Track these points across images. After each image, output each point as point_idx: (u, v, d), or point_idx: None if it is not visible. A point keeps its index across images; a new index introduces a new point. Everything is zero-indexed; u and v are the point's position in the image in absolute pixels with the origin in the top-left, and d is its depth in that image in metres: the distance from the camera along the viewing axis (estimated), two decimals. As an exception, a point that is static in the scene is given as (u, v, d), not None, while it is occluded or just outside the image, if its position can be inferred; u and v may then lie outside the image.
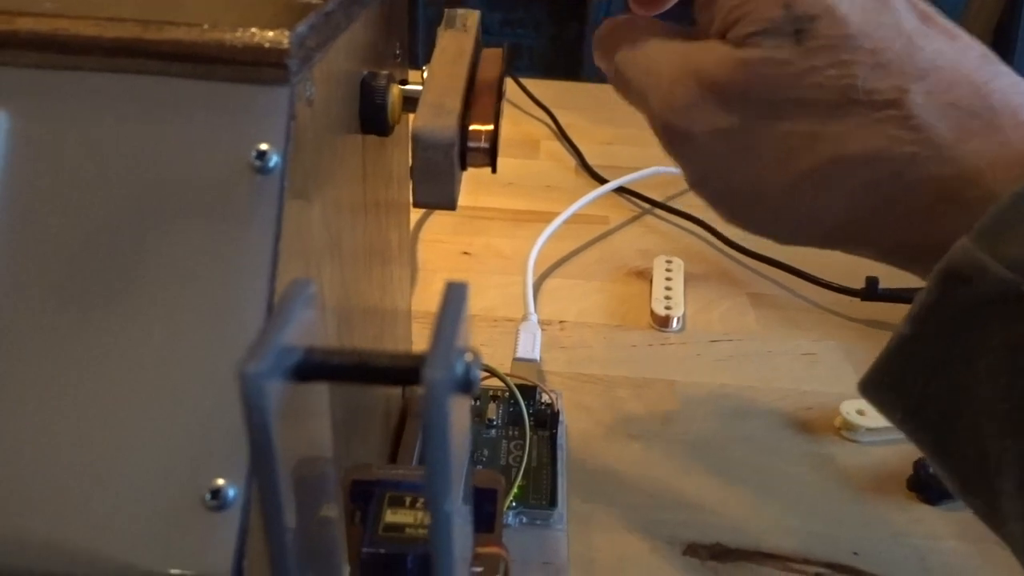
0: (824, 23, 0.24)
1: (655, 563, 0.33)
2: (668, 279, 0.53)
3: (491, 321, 0.49)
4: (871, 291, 0.50)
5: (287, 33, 0.19)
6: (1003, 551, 0.34)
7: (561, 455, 0.37)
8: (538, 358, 0.44)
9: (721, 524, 0.35)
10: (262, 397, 0.11)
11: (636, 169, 0.65)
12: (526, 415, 0.38)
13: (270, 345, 0.11)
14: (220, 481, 0.17)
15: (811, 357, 0.47)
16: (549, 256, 0.55)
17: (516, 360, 0.43)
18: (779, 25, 0.24)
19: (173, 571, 0.16)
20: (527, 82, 0.82)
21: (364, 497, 0.22)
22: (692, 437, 0.40)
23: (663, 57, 0.28)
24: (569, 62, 1.65)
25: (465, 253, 0.56)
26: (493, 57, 0.31)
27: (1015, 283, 0.21)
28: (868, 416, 0.41)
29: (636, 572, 0.33)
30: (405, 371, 0.12)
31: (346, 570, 0.19)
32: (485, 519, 0.22)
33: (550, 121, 0.76)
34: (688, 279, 0.53)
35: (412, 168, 0.25)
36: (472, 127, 0.26)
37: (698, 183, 0.28)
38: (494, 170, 0.27)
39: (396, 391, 0.37)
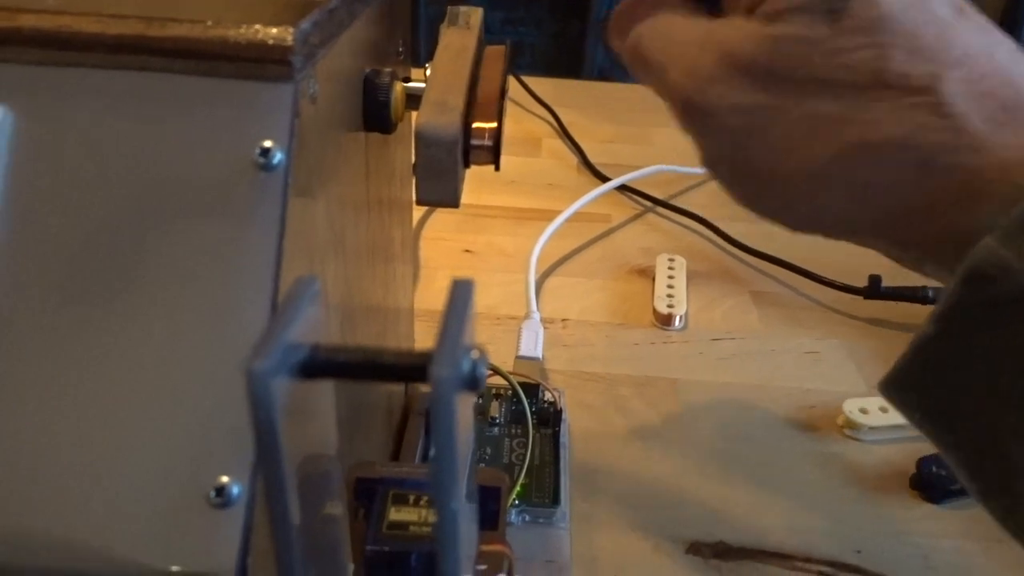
0: (859, 3, 0.23)
1: (658, 561, 0.33)
2: (670, 277, 0.53)
3: (493, 319, 0.48)
4: (874, 289, 0.50)
5: (291, 30, 0.19)
6: (1006, 550, 0.34)
7: (564, 453, 0.37)
8: (541, 356, 0.44)
9: (724, 522, 0.35)
10: (268, 394, 0.11)
11: (638, 167, 0.65)
12: (529, 413, 0.38)
13: (276, 342, 0.11)
14: (224, 478, 0.17)
15: (814, 355, 0.47)
16: (551, 254, 0.55)
17: (519, 358, 0.43)
18: (813, 2, 0.24)
19: (178, 568, 0.16)
20: (529, 80, 0.82)
21: (368, 495, 0.22)
22: (694, 435, 0.40)
23: (686, 31, 0.27)
24: (571, 60, 1.65)
25: (467, 251, 0.56)
26: (496, 55, 0.31)
27: None
28: (871, 415, 0.41)
29: (639, 570, 0.33)
30: (412, 368, 0.12)
31: (350, 568, 0.19)
32: (489, 517, 0.22)
33: (552, 119, 0.76)
34: (690, 277, 0.53)
35: (415, 165, 0.25)
36: (475, 125, 0.26)
37: (713, 162, 0.27)
38: (497, 168, 0.26)
39: (398, 389, 0.37)
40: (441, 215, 0.60)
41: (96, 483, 0.17)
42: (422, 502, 0.21)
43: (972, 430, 0.23)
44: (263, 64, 0.19)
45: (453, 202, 0.25)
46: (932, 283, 0.47)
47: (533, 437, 0.37)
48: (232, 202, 0.19)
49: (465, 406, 0.13)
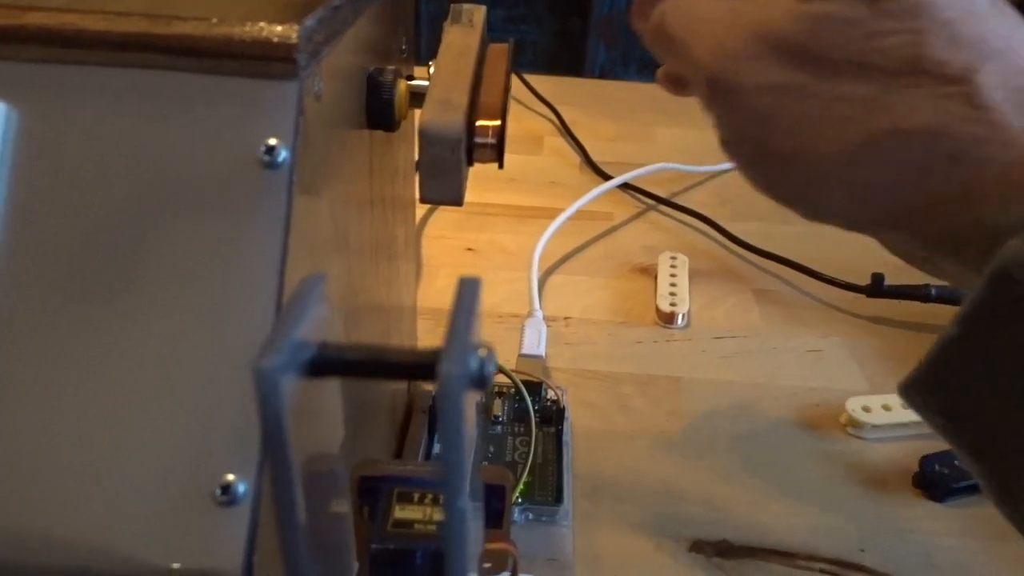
0: None
1: (660, 559, 0.33)
2: (673, 275, 0.53)
3: (496, 317, 0.48)
4: (877, 287, 0.50)
5: (296, 27, 0.19)
6: (1008, 548, 0.34)
7: (567, 451, 0.37)
8: (543, 354, 0.44)
9: (726, 521, 0.35)
10: (277, 392, 0.11)
11: (640, 165, 0.65)
12: (532, 411, 0.38)
13: (285, 340, 0.11)
14: (230, 476, 0.17)
15: (816, 354, 0.47)
16: (554, 252, 0.55)
17: (521, 356, 0.43)
18: None
19: (183, 566, 0.16)
20: (530, 78, 0.82)
21: (372, 493, 0.22)
22: (697, 434, 0.40)
23: (711, 8, 0.26)
24: (572, 58, 1.65)
25: (469, 249, 0.56)
26: (499, 52, 0.30)
27: None
28: (874, 413, 0.41)
29: (641, 568, 0.33)
30: (420, 366, 0.12)
31: (355, 566, 0.19)
32: (493, 515, 0.22)
33: (554, 117, 0.76)
34: (693, 275, 0.53)
35: (419, 164, 0.25)
36: (479, 123, 0.26)
37: (734, 143, 0.27)
38: (501, 166, 0.26)
39: (401, 387, 0.37)
40: (443, 213, 0.60)
41: (102, 481, 0.17)
42: (427, 500, 0.21)
43: (994, 433, 0.22)
44: (268, 62, 0.19)
45: (457, 200, 0.25)
46: (935, 281, 0.47)
47: (536, 435, 0.37)
48: (237, 200, 0.19)
49: (470, 404, 0.13)
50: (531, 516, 0.34)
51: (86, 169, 0.19)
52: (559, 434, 0.38)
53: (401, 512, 0.21)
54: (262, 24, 0.19)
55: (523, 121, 0.76)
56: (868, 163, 0.24)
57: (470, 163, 0.26)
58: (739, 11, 0.25)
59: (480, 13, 0.31)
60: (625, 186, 0.64)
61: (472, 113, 0.26)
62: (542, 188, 0.65)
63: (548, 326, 0.47)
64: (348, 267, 0.25)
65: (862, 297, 0.51)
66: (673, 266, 0.54)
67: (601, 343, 0.47)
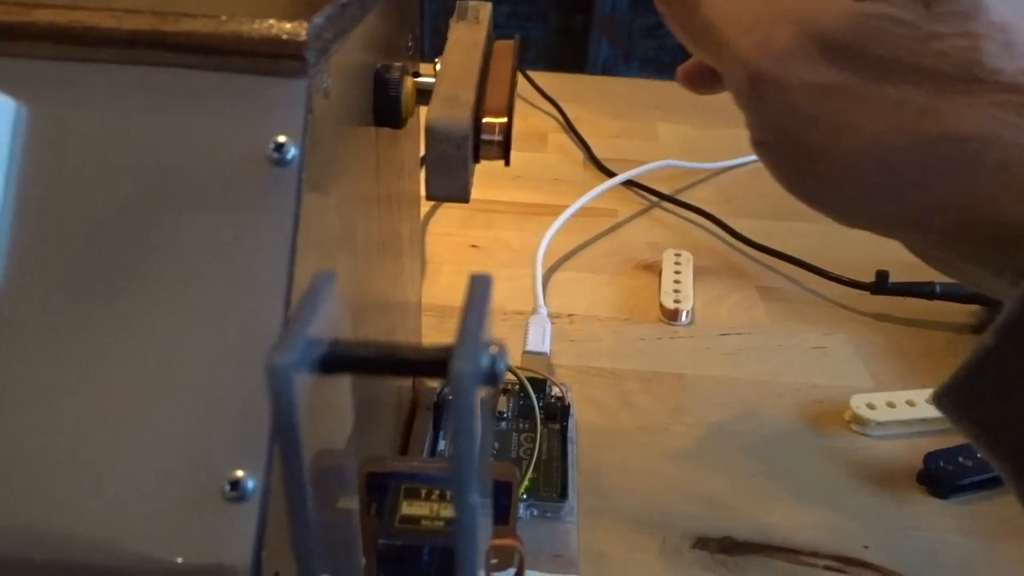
0: None
1: (664, 556, 0.33)
2: (677, 272, 0.53)
3: (500, 314, 0.49)
4: (881, 285, 0.50)
5: (305, 25, 0.19)
6: (1013, 545, 0.34)
7: (571, 448, 0.37)
8: (548, 351, 0.44)
9: (730, 517, 0.35)
10: (290, 388, 0.11)
11: (644, 162, 0.65)
12: (536, 408, 0.38)
13: (298, 336, 0.11)
14: (239, 472, 0.17)
15: (821, 351, 0.47)
16: (558, 249, 0.55)
17: (526, 353, 0.43)
18: None
19: (193, 562, 0.17)
20: (534, 75, 0.82)
21: (379, 489, 0.22)
22: (701, 431, 0.40)
23: None
24: (576, 54, 1.65)
25: (473, 246, 0.56)
26: (505, 49, 0.31)
27: None
28: (878, 410, 0.41)
29: (645, 565, 0.33)
30: (431, 363, 0.12)
31: (363, 562, 0.19)
32: (500, 511, 0.22)
33: (558, 114, 0.76)
34: (697, 272, 0.53)
35: (425, 160, 0.25)
36: (485, 120, 0.26)
37: (769, 141, 0.26)
38: (507, 163, 0.26)
39: (407, 383, 0.38)
40: (447, 210, 0.60)
41: (111, 477, 0.17)
42: (434, 496, 0.21)
43: None
44: (277, 59, 0.19)
45: (463, 197, 0.25)
46: (940, 278, 0.47)
47: (541, 432, 0.37)
48: (246, 197, 0.19)
49: (480, 401, 0.13)
50: (536, 512, 0.34)
51: (95, 166, 0.19)
52: (564, 431, 0.38)
53: (408, 508, 0.21)
54: (271, 21, 0.19)
55: (527, 118, 0.76)
56: (913, 169, 0.23)
57: (476, 160, 0.26)
58: (785, 5, 0.25)
59: (486, 10, 0.31)
60: (629, 183, 0.64)
61: (479, 110, 0.26)
62: (546, 185, 0.65)
63: (552, 323, 0.47)
64: (355, 264, 0.25)
65: (866, 294, 0.51)
66: (677, 263, 0.54)
67: (605, 340, 0.47)
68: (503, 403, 0.39)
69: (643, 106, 0.81)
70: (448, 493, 0.21)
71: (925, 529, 0.35)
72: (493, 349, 0.12)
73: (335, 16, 0.20)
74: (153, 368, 0.18)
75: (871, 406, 0.41)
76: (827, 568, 0.33)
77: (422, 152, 0.26)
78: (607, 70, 1.67)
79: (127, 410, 0.17)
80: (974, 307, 0.50)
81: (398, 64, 0.26)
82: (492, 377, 0.12)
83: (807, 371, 0.45)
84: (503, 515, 0.22)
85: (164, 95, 0.19)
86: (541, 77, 0.81)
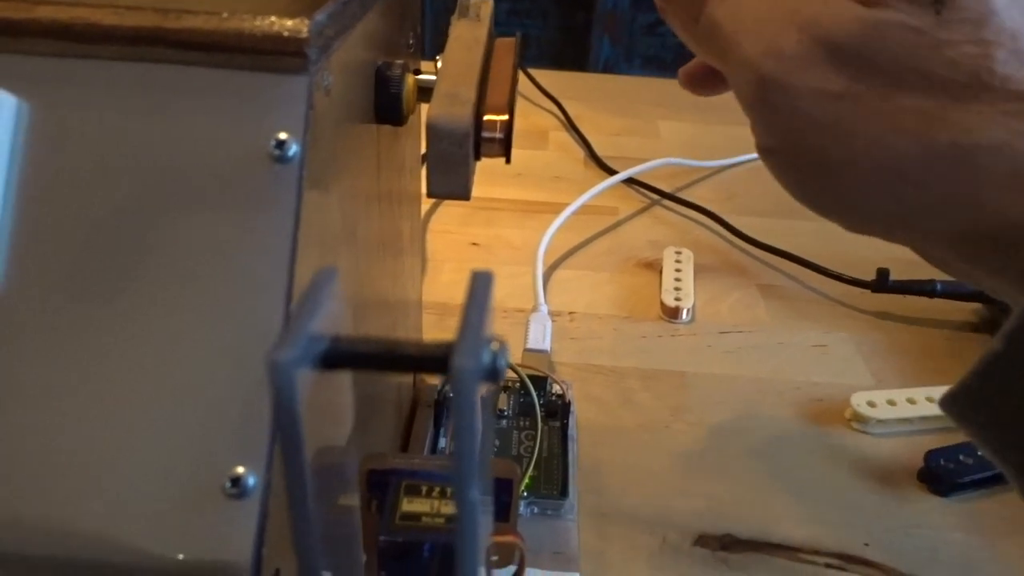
0: None
1: (665, 553, 0.33)
2: (678, 270, 0.53)
3: (501, 312, 0.49)
4: (882, 283, 0.50)
5: (306, 21, 0.19)
6: (1013, 543, 0.34)
7: (572, 446, 0.37)
8: (548, 349, 0.44)
9: (731, 515, 0.35)
10: (291, 384, 0.11)
11: (645, 160, 0.65)
12: (537, 406, 0.38)
13: (299, 333, 0.11)
14: (240, 469, 0.17)
15: (821, 349, 0.47)
16: (558, 247, 0.55)
17: (527, 351, 0.43)
18: None
19: (193, 558, 0.17)
20: (535, 72, 0.82)
21: (380, 486, 0.22)
22: (702, 428, 0.40)
23: (769, 2, 0.25)
24: (577, 52, 1.65)
25: (474, 244, 0.56)
26: (507, 47, 0.30)
27: None
28: (878, 408, 0.41)
29: (646, 562, 0.33)
30: (433, 359, 0.12)
31: (363, 559, 0.19)
32: (501, 508, 0.22)
33: (559, 112, 0.76)
34: (698, 270, 0.53)
35: (426, 158, 0.25)
36: (487, 117, 0.26)
37: (775, 147, 0.25)
38: (508, 160, 0.26)
39: (407, 381, 0.38)
40: (447, 208, 0.60)
41: (112, 474, 0.17)
42: (434, 493, 0.21)
43: None
44: (278, 56, 0.19)
45: (464, 195, 0.25)
46: (941, 276, 0.47)
47: (541, 429, 0.37)
48: (247, 194, 0.19)
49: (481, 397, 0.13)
50: (536, 510, 0.34)
51: (96, 163, 0.19)
52: (564, 428, 0.38)
53: (409, 505, 0.21)
54: (273, 18, 0.19)
55: (528, 116, 0.76)
56: (923, 176, 0.23)
57: (477, 157, 0.26)
58: (795, 9, 0.24)
59: (487, 7, 0.31)
60: (630, 181, 0.64)
61: (480, 107, 0.26)
62: (547, 183, 0.65)
63: (553, 321, 0.47)
64: (356, 262, 0.25)
65: (867, 292, 0.51)
66: (678, 261, 0.54)
67: (606, 338, 0.47)
68: (504, 401, 0.39)
69: (644, 104, 0.81)
70: (449, 490, 0.21)
71: (926, 527, 0.35)
72: (494, 345, 0.12)
73: (336, 13, 0.20)
74: (154, 365, 0.18)
75: (872, 404, 0.41)
76: (827, 566, 0.33)
77: (423, 150, 0.26)
78: (608, 68, 1.67)
79: (128, 408, 0.17)
80: (975, 305, 0.50)
81: (399, 61, 0.26)
82: (493, 373, 0.12)
83: (808, 369, 0.45)
84: (504, 512, 0.22)
85: (165, 92, 0.19)
86: (542, 75, 0.81)
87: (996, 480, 0.37)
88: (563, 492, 0.34)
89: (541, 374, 0.40)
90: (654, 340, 0.47)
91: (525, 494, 0.34)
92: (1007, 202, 0.22)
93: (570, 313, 0.49)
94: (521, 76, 0.80)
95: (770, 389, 0.43)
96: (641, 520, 0.35)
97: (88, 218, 0.19)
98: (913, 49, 0.23)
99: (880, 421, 0.40)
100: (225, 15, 0.19)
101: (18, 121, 0.19)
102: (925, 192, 0.23)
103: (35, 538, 0.17)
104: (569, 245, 0.56)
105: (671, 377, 0.44)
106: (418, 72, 0.29)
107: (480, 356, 0.11)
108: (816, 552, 0.34)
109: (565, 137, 0.73)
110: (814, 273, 0.53)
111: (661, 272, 0.53)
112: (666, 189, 0.63)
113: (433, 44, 0.28)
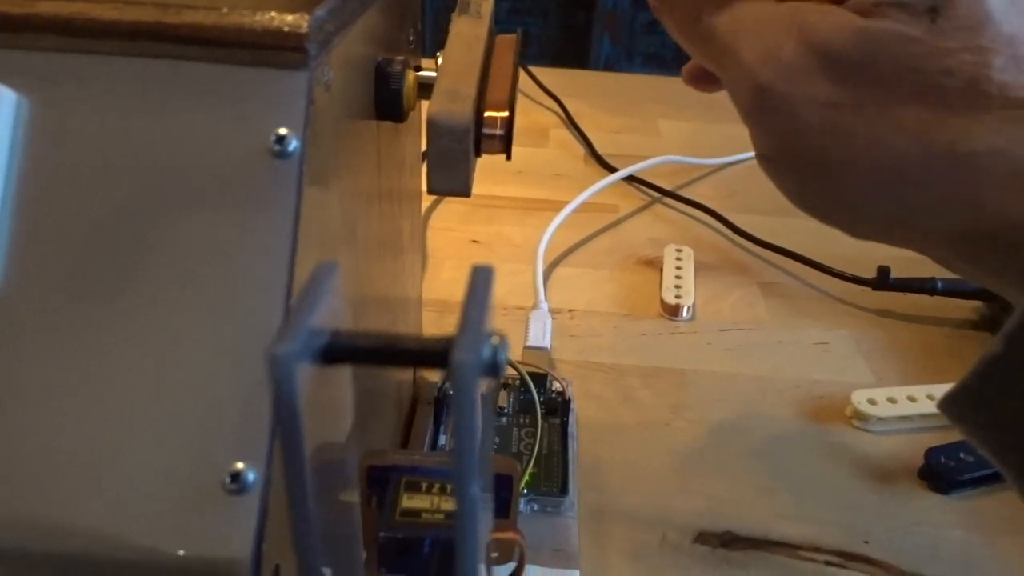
0: (963, 2, 0.22)
1: (665, 551, 0.33)
2: (678, 268, 0.53)
3: (501, 309, 0.49)
4: (883, 280, 0.50)
5: (306, 17, 0.19)
6: (1014, 541, 0.34)
7: (572, 443, 0.37)
8: (549, 346, 0.44)
9: (731, 512, 0.35)
10: (291, 379, 0.11)
11: (645, 158, 0.65)
12: (537, 403, 0.38)
13: (300, 327, 0.11)
14: (240, 465, 0.17)
15: (822, 346, 0.47)
16: (559, 245, 0.55)
17: (527, 348, 0.43)
18: None
19: (192, 554, 0.17)
20: (535, 70, 0.82)
21: (380, 482, 0.22)
22: (702, 426, 0.40)
23: (761, 9, 0.25)
24: (577, 50, 1.65)
25: (474, 241, 0.56)
26: (507, 44, 0.30)
27: None
28: (879, 406, 0.41)
29: (646, 559, 0.33)
30: (433, 354, 0.12)
31: (363, 555, 0.19)
32: (501, 505, 0.22)
33: (559, 110, 0.76)
34: (698, 268, 0.53)
35: (427, 155, 0.25)
36: (487, 114, 0.26)
37: (773, 155, 0.26)
38: (508, 157, 0.26)
39: (407, 377, 0.38)
40: (448, 205, 0.60)
41: (112, 471, 0.17)
42: (434, 489, 0.21)
43: None
44: (278, 51, 0.19)
45: (464, 192, 0.25)
46: (941, 274, 0.47)
47: (541, 427, 0.37)
48: (247, 189, 0.19)
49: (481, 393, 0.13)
50: (536, 507, 0.34)
51: (96, 159, 0.19)
52: (564, 426, 0.38)
53: (409, 501, 0.21)
54: (273, 14, 0.19)
55: (529, 114, 0.76)
56: (923, 176, 0.23)
57: (478, 154, 0.26)
58: (792, 18, 0.24)
59: (488, 4, 0.31)
60: (630, 179, 0.64)
61: (480, 104, 0.26)
62: (547, 180, 0.65)
63: (553, 318, 0.47)
64: (356, 259, 0.25)
65: (868, 290, 0.51)
66: (678, 259, 0.54)
67: (606, 335, 0.47)
68: (504, 398, 0.39)
69: (644, 102, 0.81)
70: (449, 486, 0.21)
71: (926, 524, 0.35)
72: (494, 340, 0.12)
73: (337, 9, 0.20)
74: (154, 364, 0.18)
75: (872, 402, 0.41)
76: (828, 563, 0.33)
77: (423, 147, 0.26)
78: (609, 66, 1.66)
79: (128, 406, 0.17)
80: (976, 303, 0.50)
81: (400, 58, 0.26)
82: (493, 368, 0.12)
83: (808, 367, 0.45)
84: (504, 509, 0.22)
85: (165, 87, 0.19)
86: (543, 73, 0.81)
87: (996, 478, 0.37)
88: (563, 489, 0.34)
89: (541, 371, 0.40)
90: (654, 338, 0.47)
91: (525, 491, 0.34)
92: (1007, 202, 0.22)
93: (570, 310, 0.49)
94: (522, 74, 0.80)
95: (770, 387, 0.43)
96: (641, 517, 0.35)
97: (88, 215, 0.19)
98: (909, 59, 0.23)
99: (880, 419, 0.40)
100: (225, 10, 0.19)
101: (18, 117, 0.19)
102: (925, 192, 0.23)
103: (36, 535, 0.17)
104: (569, 243, 0.56)
105: (671, 375, 0.44)
106: (419, 69, 0.29)
107: (480, 350, 0.11)
108: (816, 549, 0.34)
109: (566, 135, 0.73)
110: (814, 271, 0.53)
111: (661, 270, 0.53)
112: (666, 187, 0.63)
113: (434, 41, 0.28)
